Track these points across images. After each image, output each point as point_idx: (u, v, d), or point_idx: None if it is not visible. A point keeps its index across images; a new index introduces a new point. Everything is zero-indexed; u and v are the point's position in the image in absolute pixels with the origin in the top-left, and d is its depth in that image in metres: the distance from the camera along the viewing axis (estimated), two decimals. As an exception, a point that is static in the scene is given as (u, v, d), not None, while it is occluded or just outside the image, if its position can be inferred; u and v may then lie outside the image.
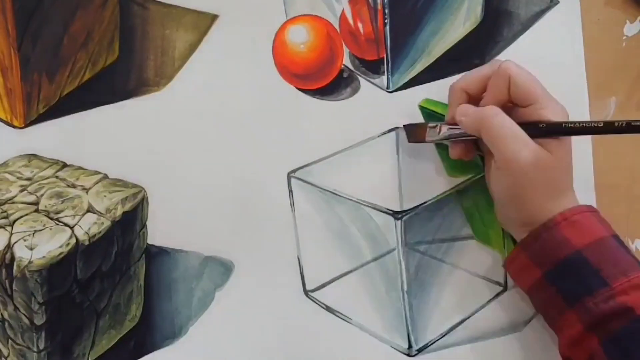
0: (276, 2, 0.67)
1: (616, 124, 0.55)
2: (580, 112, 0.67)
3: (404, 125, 0.63)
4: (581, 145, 0.67)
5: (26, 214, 0.60)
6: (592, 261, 0.54)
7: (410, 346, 0.64)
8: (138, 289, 0.64)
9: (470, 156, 0.62)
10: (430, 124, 0.61)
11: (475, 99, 0.60)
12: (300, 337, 0.64)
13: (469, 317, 0.65)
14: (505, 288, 0.66)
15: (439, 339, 0.65)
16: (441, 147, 0.67)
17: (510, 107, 0.59)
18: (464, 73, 0.61)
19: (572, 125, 0.56)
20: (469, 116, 0.58)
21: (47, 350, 0.59)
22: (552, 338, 0.64)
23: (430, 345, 0.64)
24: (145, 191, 0.63)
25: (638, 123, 0.54)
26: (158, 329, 0.64)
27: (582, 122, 0.56)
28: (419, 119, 0.67)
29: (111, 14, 0.66)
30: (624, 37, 0.69)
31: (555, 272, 0.55)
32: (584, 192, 0.66)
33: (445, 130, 0.61)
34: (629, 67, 0.69)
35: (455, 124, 0.60)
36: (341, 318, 0.65)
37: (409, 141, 0.63)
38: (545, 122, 0.56)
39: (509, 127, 0.56)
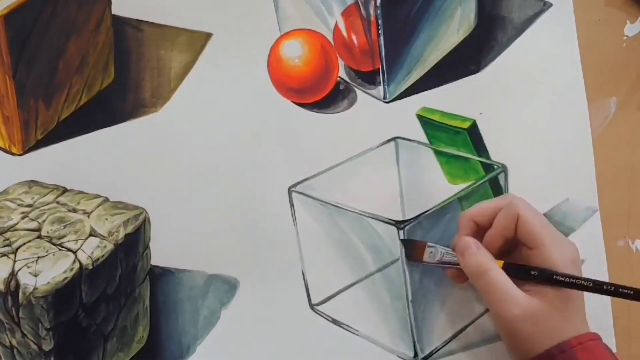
0: (269, 17, 0.67)
1: (604, 287, 0.55)
2: (579, 114, 0.68)
3: (401, 240, 0.61)
4: (582, 146, 0.68)
5: (29, 241, 0.60)
6: None
7: (416, 354, 0.64)
8: (144, 311, 0.64)
9: (462, 281, 0.61)
10: (429, 245, 0.60)
11: (483, 229, 0.60)
12: (308, 351, 0.64)
13: (472, 323, 0.66)
14: (509, 293, 0.66)
15: (444, 346, 0.65)
16: (441, 154, 0.67)
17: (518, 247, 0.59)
18: (477, 203, 0.60)
19: (562, 279, 0.55)
20: (466, 261, 0.58)
21: (57, 376, 0.59)
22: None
23: (435, 352, 0.64)
24: (146, 212, 0.63)
25: (625, 291, 0.54)
26: (166, 349, 0.64)
27: (573, 278, 0.55)
28: (418, 127, 0.67)
29: (105, 37, 0.66)
30: (625, 38, 0.69)
31: None
32: (585, 192, 0.67)
33: (444, 256, 0.60)
34: (630, 67, 0.69)
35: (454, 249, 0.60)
36: (347, 330, 0.65)
37: (406, 257, 0.61)
38: (537, 269, 0.56)
39: (501, 284, 0.56)
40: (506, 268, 0.57)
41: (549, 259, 0.56)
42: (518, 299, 0.55)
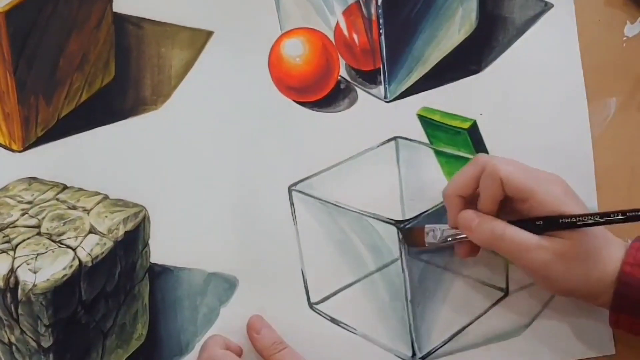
0: (271, 16, 0.67)
1: (611, 216, 0.55)
2: (579, 115, 0.68)
3: (400, 230, 0.61)
4: (582, 146, 0.68)
5: (28, 238, 0.60)
6: None
7: (414, 354, 0.64)
8: (143, 308, 0.64)
9: (476, 254, 0.62)
10: (427, 227, 0.60)
11: (470, 200, 0.60)
12: (306, 349, 0.64)
13: (471, 323, 0.66)
14: (506, 293, 0.66)
15: (442, 346, 0.65)
16: (441, 154, 0.67)
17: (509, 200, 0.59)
18: (452, 178, 0.61)
19: (568, 220, 0.56)
20: (477, 233, 0.58)
21: (56, 373, 0.59)
22: (552, 340, 0.65)
23: (433, 352, 0.65)
24: (146, 210, 0.63)
25: (634, 213, 0.55)
26: (165, 346, 0.64)
27: (578, 217, 0.56)
28: (418, 127, 0.67)
29: (106, 35, 0.66)
30: (625, 38, 0.69)
31: None
32: (584, 193, 0.67)
33: (444, 233, 0.60)
34: (630, 67, 0.69)
35: (455, 226, 0.60)
36: (346, 329, 0.65)
37: (409, 246, 0.61)
38: (541, 219, 0.57)
39: (522, 239, 0.57)
40: None
41: (544, 204, 0.56)
42: (542, 245, 0.56)
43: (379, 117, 0.67)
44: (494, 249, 0.58)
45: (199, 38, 0.67)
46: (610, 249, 0.58)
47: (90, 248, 0.59)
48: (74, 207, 0.62)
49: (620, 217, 0.55)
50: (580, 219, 0.56)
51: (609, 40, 0.69)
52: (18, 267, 0.58)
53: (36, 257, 0.58)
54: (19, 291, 0.57)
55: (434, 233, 0.60)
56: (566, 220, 0.56)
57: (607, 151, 0.68)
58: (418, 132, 0.67)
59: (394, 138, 0.67)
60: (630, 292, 0.56)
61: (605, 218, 0.56)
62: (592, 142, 0.68)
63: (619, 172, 0.68)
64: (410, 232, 0.61)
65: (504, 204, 0.59)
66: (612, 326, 0.59)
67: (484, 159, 0.59)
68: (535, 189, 0.57)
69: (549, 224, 0.56)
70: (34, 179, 0.65)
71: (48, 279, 0.57)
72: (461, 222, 0.59)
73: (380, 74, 0.67)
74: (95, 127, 0.66)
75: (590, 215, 0.56)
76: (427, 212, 0.62)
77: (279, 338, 0.62)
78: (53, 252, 0.58)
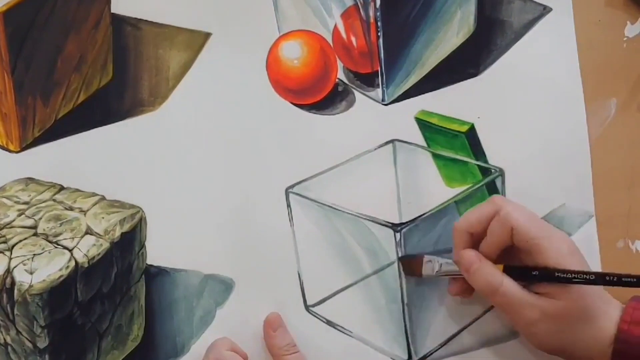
0: (269, 18, 0.67)
1: (607, 278, 0.56)
2: (577, 118, 0.68)
3: (399, 258, 0.61)
4: (579, 150, 0.68)
5: (25, 238, 0.60)
6: None
7: (410, 357, 0.64)
8: (139, 310, 0.64)
9: (469, 295, 0.62)
10: (426, 258, 0.61)
11: (478, 237, 0.60)
12: (302, 351, 0.64)
13: (467, 327, 0.66)
14: (505, 297, 0.66)
15: (438, 349, 0.65)
16: (438, 157, 0.67)
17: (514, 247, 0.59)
18: (466, 213, 0.61)
19: (564, 275, 0.56)
20: (474, 278, 0.59)
21: (51, 374, 0.59)
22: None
23: (429, 355, 0.65)
24: (143, 211, 0.63)
25: (628, 279, 0.55)
26: (160, 348, 0.64)
27: (574, 273, 0.56)
28: (416, 130, 0.67)
29: (104, 36, 0.66)
30: (625, 38, 0.69)
31: None
32: (582, 195, 0.67)
33: (442, 267, 0.61)
34: (630, 68, 0.69)
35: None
36: (342, 332, 0.65)
37: (405, 274, 0.62)
38: (538, 269, 0.57)
39: (516, 295, 0.57)
40: (507, 272, 0.58)
41: (547, 258, 0.57)
42: (533, 304, 0.57)
43: (376, 119, 0.67)
44: (489, 300, 0.59)
45: (197, 40, 0.67)
46: (607, 309, 0.58)
47: (87, 249, 0.59)
48: (71, 208, 0.62)
49: (615, 280, 0.55)
50: (576, 275, 0.56)
51: (610, 40, 0.69)
52: (14, 267, 0.57)
53: (32, 257, 0.58)
54: (15, 292, 0.57)
55: (432, 265, 0.61)
56: (562, 275, 0.56)
57: (607, 152, 0.68)
58: (415, 135, 0.68)
59: (392, 141, 0.67)
60: (629, 349, 0.56)
61: (602, 278, 0.56)
62: (592, 143, 0.68)
63: (619, 173, 0.68)
64: (409, 260, 0.61)
65: (508, 250, 0.59)
66: None
67: (500, 201, 0.59)
68: (543, 244, 0.57)
69: (545, 275, 0.57)
70: (31, 179, 0.65)
71: (44, 280, 0.57)
72: (462, 262, 0.59)
73: (378, 77, 0.67)
74: (93, 128, 0.66)
75: (587, 273, 0.56)
76: (424, 216, 0.62)
77: (292, 341, 0.63)
78: (49, 252, 0.58)
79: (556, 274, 0.56)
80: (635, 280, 0.55)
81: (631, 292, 0.58)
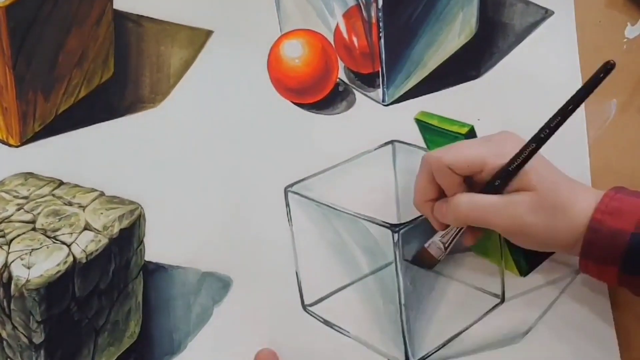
0: (271, 17, 0.67)
1: (541, 135, 0.55)
2: (577, 119, 0.67)
3: (411, 263, 0.62)
4: (578, 151, 0.68)
5: (23, 233, 0.60)
6: None
7: (407, 359, 0.64)
8: (136, 306, 0.64)
9: (481, 235, 0.62)
10: (426, 245, 0.61)
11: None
12: (299, 351, 0.64)
13: (466, 330, 0.66)
14: (502, 300, 0.66)
15: (436, 351, 0.65)
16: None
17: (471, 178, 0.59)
18: (415, 190, 0.61)
19: (518, 161, 0.55)
20: (452, 215, 0.58)
21: (47, 369, 0.59)
22: (550, 349, 0.65)
23: (427, 357, 0.64)
24: (142, 208, 0.63)
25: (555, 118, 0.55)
26: (157, 345, 0.64)
27: (518, 156, 0.55)
28: (415, 131, 0.67)
29: (106, 32, 0.66)
30: (625, 40, 0.69)
31: (627, 263, 0.56)
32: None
33: (442, 239, 0.60)
34: (630, 69, 0.69)
35: (445, 228, 0.60)
36: (339, 332, 0.65)
37: (428, 269, 0.62)
38: (496, 176, 0.56)
39: (488, 203, 0.57)
40: None
41: (498, 165, 0.56)
42: (513, 201, 0.56)
43: (376, 120, 0.67)
44: (473, 222, 0.58)
45: (199, 37, 0.67)
46: (584, 197, 0.57)
47: (85, 245, 0.59)
48: (70, 204, 0.62)
49: (548, 131, 0.55)
50: (524, 151, 0.55)
51: (610, 41, 0.69)
52: (12, 262, 0.57)
53: (30, 252, 0.58)
54: (12, 286, 0.57)
55: (435, 245, 0.60)
56: (515, 164, 0.55)
57: (607, 153, 0.68)
58: (415, 136, 0.67)
59: (391, 142, 0.67)
60: (599, 239, 0.56)
61: (538, 137, 0.55)
62: (592, 144, 0.68)
63: (619, 174, 0.68)
64: (420, 258, 0.61)
65: (470, 184, 0.58)
66: (582, 271, 0.59)
67: (427, 157, 0.59)
68: (484, 155, 0.57)
69: (504, 177, 0.56)
70: (31, 174, 0.65)
71: (42, 275, 0.57)
72: (437, 217, 0.59)
73: (379, 77, 0.67)
74: (93, 124, 0.66)
75: (529, 144, 0.55)
76: (422, 217, 0.62)
77: None
78: (47, 247, 0.58)
79: (510, 168, 0.55)
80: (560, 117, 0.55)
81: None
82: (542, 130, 0.55)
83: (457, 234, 0.60)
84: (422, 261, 0.61)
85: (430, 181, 0.59)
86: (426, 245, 0.61)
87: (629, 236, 0.55)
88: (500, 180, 0.56)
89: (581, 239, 0.57)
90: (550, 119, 0.55)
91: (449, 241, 0.60)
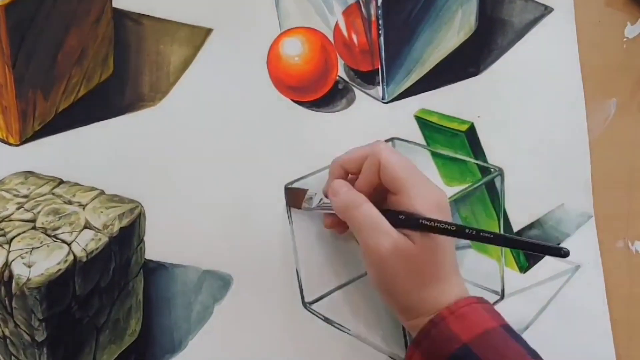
0: (270, 15, 0.67)
1: (467, 230, 0.54)
2: (577, 118, 0.68)
3: (285, 187, 0.64)
4: (579, 149, 0.68)
5: (23, 232, 0.60)
6: (479, 354, 0.53)
7: (408, 356, 0.64)
8: (137, 304, 0.64)
9: (342, 230, 0.62)
10: (309, 193, 0.62)
11: (354, 177, 0.60)
12: (300, 349, 0.64)
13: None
14: (502, 296, 0.66)
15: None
16: (438, 156, 0.67)
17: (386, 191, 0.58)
18: (347, 151, 0.61)
19: (427, 223, 0.55)
20: (338, 199, 0.58)
21: (49, 366, 0.59)
22: (550, 345, 0.65)
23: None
24: (142, 206, 0.63)
25: (486, 234, 0.54)
26: (158, 343, 0.64)
27: (437, 222, 0.54)
28: (415, 129, 0.67)
29: (105, 30, 0.66)
30: (625, 39, 0.69)
31: None
32: (582, 195, 0.67)
33: (318, 201, 0.61)
34: (630, 68, 0.69)
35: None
36: (340, 329, 0.65)
37: (288, 204, 0.64)
38: (405, 213, 0.56)
39: (373, 217, 0.56)
40: None
41: (412, 205, 0.56)
42: (390, 233, 0.55)
43: (376, 117, 0.67)
44: (347, 220, 0.58)
45: (198, 35, 0.67)
46: (453, 282, 0.57)
47: (85, 243, 0.59)
48: (70, 202, 0.62)
49: (474, 233, 0.54)
50: (441, 225, 0.54)
51: (610, 41, 0.69)
52: (12, 260, 0.57)
53: (31, 251, 0.58)
54: (13, 285, 0.57)
55: (313, 200, 0.62)
56: (425, 223, 0.55)
57: (607, 152, 0.68)
58: (415, 133, 0.68)
59: (391, 139, 0.67)
60: (431, 338, 0.54)
61: (462, 231, 0.54)
62: (592, 143, 0.68)
63: (618, 173, 0.68)
64: (292, 193, 0.63)
65: (380, 195, 0.58)
66: None
67: (378, 145, 0.58)
68: (409, 185, 0.56)
69: (410, 220, 0.55)
70: (30, 173, 0.65)
71: (42, 274, 0.57)
72: (332, 186, 0.59)
73: (378, 75, 0.67)
74: (93, 123, 0.66)
75: (449, 224, 0.54)
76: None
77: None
78: (48, 246, 0.58)
79: (420, 221, 0.55)
80: (492, 236, 0.54)
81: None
82: (470, 228, 0.54)
83: (329, 209, 0.60)
84: (292, 197, 0.63)
85: (361, 158, 0.59)
86: (309, 193, 0.62)
87: (460, 345, 0.53)
88: (405, 219, 0.55)
89: (420, 322, 0.55)
90: (484, 230, 0.54)
91: (322, 209, 0.61)
